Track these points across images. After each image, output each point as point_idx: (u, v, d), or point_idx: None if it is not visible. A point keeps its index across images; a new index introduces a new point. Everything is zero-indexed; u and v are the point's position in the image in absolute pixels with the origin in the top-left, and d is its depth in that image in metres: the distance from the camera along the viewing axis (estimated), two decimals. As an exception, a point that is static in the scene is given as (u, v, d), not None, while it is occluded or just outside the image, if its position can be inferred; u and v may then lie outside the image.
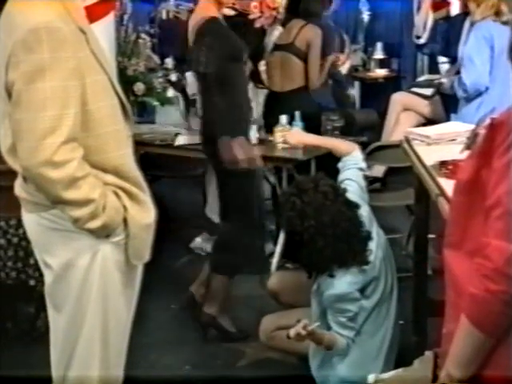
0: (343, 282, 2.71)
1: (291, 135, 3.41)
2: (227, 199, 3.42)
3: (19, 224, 2.85)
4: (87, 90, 1.81)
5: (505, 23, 3.90)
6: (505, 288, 1.32)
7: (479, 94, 3.95)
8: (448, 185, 2.42)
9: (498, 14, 3.93)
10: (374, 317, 2.82)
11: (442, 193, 2.43)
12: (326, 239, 2.67)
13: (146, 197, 1.99)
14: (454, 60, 4.55)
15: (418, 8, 5.49)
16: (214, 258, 3.50)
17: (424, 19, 4.99)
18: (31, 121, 1.74)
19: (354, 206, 2.81)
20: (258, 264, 3.53)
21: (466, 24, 4.41)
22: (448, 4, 5.57)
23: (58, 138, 1.74)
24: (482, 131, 2.67)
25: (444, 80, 4.33)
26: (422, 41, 5.01)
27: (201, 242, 4.34)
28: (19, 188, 1.97)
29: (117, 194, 1.89)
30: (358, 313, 2.76)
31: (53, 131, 1.74)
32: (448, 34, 4.63)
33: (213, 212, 4.12)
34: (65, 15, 1.80)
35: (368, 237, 2.79)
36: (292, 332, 2.62)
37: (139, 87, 4.19)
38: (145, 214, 1.97)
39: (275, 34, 4.47)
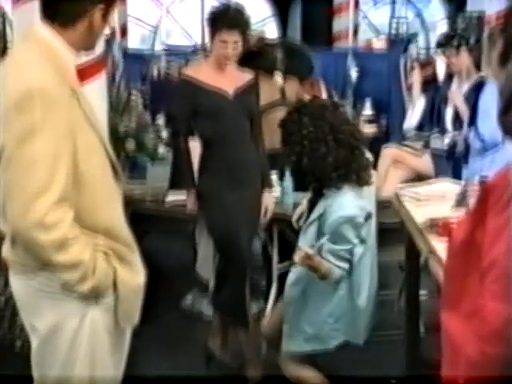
0: (351, 205, 2.73)
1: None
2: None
3: (7, 283, 2.82)
4: (78, 150, 1.81)
5: None
6: (502, 350, 1.30)
7: (495, 146, 3.98)
8: (438, 243, 2.43)
9: None
10: (363, 263, 2.84)
11: (433, 251, 2.43)
12: (328, 145, 2.71)
13: (135, 258, 1.98)
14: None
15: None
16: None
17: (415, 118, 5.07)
18: (22, 182, 1.74)
19: (353, 124, 2.90)
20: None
21: (454, 85, 4.53)
22: (432, 61, 5.70)
23: (49, 199, 1.73)
24: (471, 189, 2.70)
25: (455, 133, 4.38)
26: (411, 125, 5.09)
27: (191, 300, 4.29)
28: (7, 250, 1.95)
29: (107, 256, 1.88)
30: (353, 252, 2.76)
31: (44, 192, 1.73)
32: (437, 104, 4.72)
33: (203, 269, 4.09)
34: (58, 77, 1.82)
35: (368, 160, 2.85)
36: (298, 255, 2.67)
37: (130, 144, 4.20)
38: (134, 276, 1.96)
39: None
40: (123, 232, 1.96)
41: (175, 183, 3.69)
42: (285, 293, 2.94)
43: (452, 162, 4.38)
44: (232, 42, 3.34)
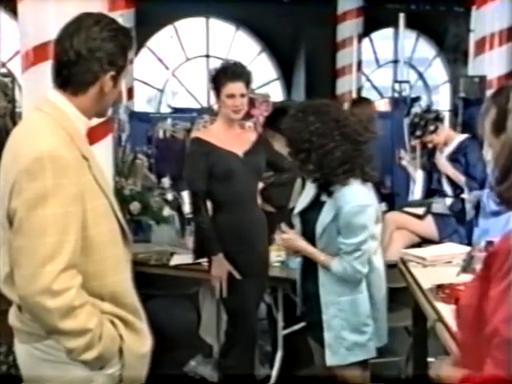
0: (362, 195, 2.76)
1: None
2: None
3: (9, 351, 2.78)
4: (88, 215, 1.82)
5: None
6: None
7: None
8: (446, 309, 2.40)
9: None
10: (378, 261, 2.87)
11: (440, 318, 2.40)
12: (335, 140, 2.75)
13: (142, 325, 1.96)
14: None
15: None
16: None
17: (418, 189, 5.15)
18: (31, 247, 1.73)
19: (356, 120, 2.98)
20: None
21: (437, 154, 4.64)
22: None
23: (58, 265, 1.73)
24: (477, 254, 2.68)
25: (466, 196, 4.41)
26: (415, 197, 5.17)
27: (195, 365, 4.22)
28: (13, 317, 1.93)
29: (113, 323, 1.86)
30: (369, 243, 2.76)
31: (52, 258, 1.73)
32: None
33: (207, 334, 4.04)
34: (69, 143, 1.83)
35: (371, 156, 2.89)
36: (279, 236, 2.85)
37: (135, 206, 4.21)
38: (141, 343, 1.93)
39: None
40: (130, 298, 1.95)
41: (202, 251, 3.60)
42: (321, 295, 2.87)
43: (460, 223, 4.39)
44: (239, 95, 3.38)
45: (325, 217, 2.81)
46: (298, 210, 3.00)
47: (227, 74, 3.38)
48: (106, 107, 2.01)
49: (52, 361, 1.85)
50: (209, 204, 3.52)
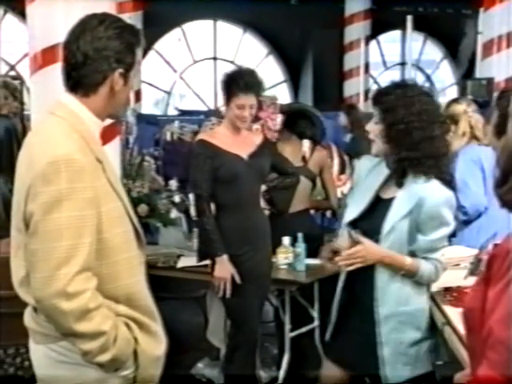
0: (445, 188, 2.53)
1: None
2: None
3: (17, 353, 2.79)
4: (103, 218, 1.82)
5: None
6: None
7: (479, 215, 3.94)
8: (453, 312, 2.40)
9: (477, 139, 4.00)
10: None
11: (448, 321, 2.40)
12: (437, 131, 2.53)
13: (157, 327, 1.96)
14: None
15: None
16: None
17: None
18: (47, 251, 1.75)
19: None
20: None
21: None
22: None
23: (73, 268, 1.74)
24: (485, 257, 2.68)
25: None
26: None
27: (202, 368, 4.22)
28: (29, 318, 1.94)
29: (128, 325, 1.87)
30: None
31: (67, 261, 1.74)
32: None
33: (214, 337, 4.04)
34: (83, 146, 1.84)
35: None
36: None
37: (143, 209, 4.21)
38: (155, 345, 1.94)
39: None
40: (144, 300, 1.95)
41: (205, 254, 3.57)
42: (379, 305, 2.58)
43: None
44: (248, 106, 3.37)
45: (396, 212, 2.55)
46: (352, 216, 2.67)
47: (240, 84, 3.34)
48: (119, 107, 1.99)
49: (67, 362, 1.86)
50: (212, 206, 3.52)
